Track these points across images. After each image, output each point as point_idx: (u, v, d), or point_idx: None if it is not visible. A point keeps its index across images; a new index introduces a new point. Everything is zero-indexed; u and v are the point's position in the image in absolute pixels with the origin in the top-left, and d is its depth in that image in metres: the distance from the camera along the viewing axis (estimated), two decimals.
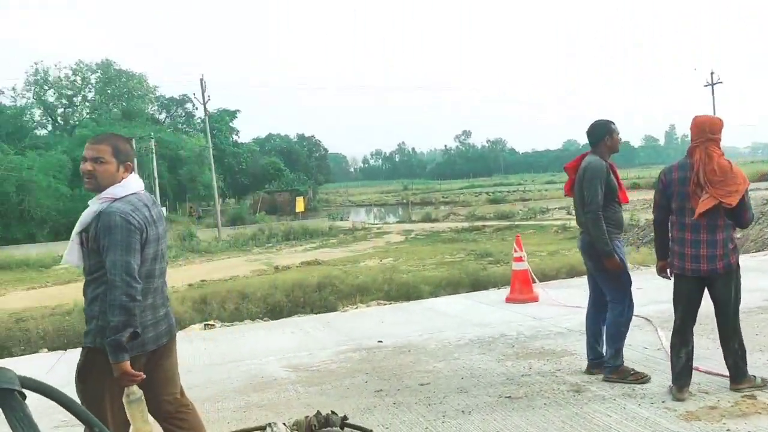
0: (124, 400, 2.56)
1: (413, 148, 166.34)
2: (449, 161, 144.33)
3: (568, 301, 6.82)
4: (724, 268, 3.66)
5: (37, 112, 48.11)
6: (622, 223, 4.32)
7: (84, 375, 2.62)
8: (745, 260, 8.20)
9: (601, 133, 4.25)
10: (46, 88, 48.13)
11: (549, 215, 34.66)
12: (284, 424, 3.64)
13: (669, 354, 4.46)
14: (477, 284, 15.37)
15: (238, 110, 59.66)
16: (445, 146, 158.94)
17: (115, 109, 48.54)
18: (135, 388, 2.54)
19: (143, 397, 2.56)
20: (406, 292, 16.23)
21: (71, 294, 17.98)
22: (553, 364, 4.63)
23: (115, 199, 2.58)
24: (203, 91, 34.98)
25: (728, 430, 3.19)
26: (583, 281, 8.78)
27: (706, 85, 47.58)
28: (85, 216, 2.61)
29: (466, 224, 33.67)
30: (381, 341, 5.80)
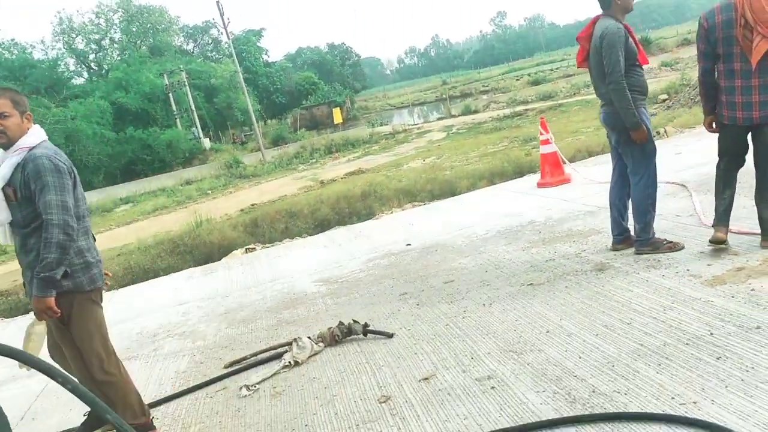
0: (29, 329, 2.71)
1: (447, 40, 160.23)
2: (486, 47, 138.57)
3: (600, 178, 6.58)
4: None
5: (71, 62, 48.63)
6: (646, 88, 4.00)
7: (69, 320, 2.71)
8: None
9: None
10: (74, 36, 48.32)
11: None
12: (309, 337, 3.75)
13: (703, 221, 4.30)
14: (522, 170, 15.06)
15: (263, 29, 58.57)
16: (481, 32, 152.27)
17: (144, 47, 48.43)
18: (43, 324, 2.69)
19: (45, 334, 2.71)
20: (450, 189, 16.15)
21: (133, 234, 18.89)
22: (579, 245, 4.52)
23: (32, 148, 2.58)
24: (222, 15, 34.20)
25: (753, 289, 3.06)
26: None
27: None
28: (4, 170, 2.61)
29: (507, 111, 32.70)
30: (409, 244, 5.81)
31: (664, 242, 3.97)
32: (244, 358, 3.77)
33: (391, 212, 8.50)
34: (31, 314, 3.01)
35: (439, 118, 40.57)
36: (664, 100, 22.08)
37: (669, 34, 64.79)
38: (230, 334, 4.42)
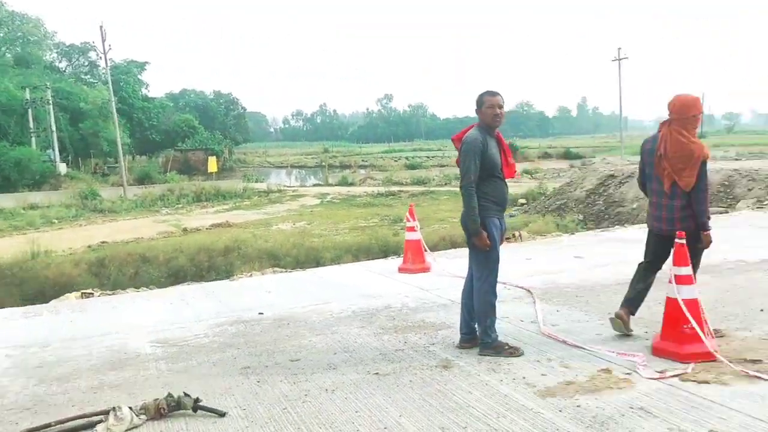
0: None
1: (335, 110, 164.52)
2: (371, 124, 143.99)
3: (459, 272, 6.85)
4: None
5: None
6: (504, 199, 4.22)
7: None
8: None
9: (477, 104, 4.17)
10: None
11: None
12: (130, 407, 3.38)
13: (542, 329, 4.57)
14: (387, 250, 15.42)
15: (147, 62, 56.58)
16: (367, 109, 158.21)
17: (8, 55, 44.64)
18: None
19: None
20: (315, 257, 16.06)
21: None
22: (429, 338, 4.59)
23: None
24: (103, 40, 32.69)
25: (578, 405, 3.24)
26: None
27: (613, 60, 49.50)
28: None
29: (382, 189, 33.72)
30: (262, 313, 5.59)
31: (506, 347, 4.13)
32: (46, 426, 3.29)
33: (251, 274, 8.21)
34: None
35: (316, 184, 40.90)
36: (522, 204, 23.98)
37: (533, 145, 71.45)
38: (38, 393, 3.89)
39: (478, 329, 4.18)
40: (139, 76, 54.59)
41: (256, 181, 40.66)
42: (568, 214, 19.42)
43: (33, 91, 37.27)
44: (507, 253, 8.41)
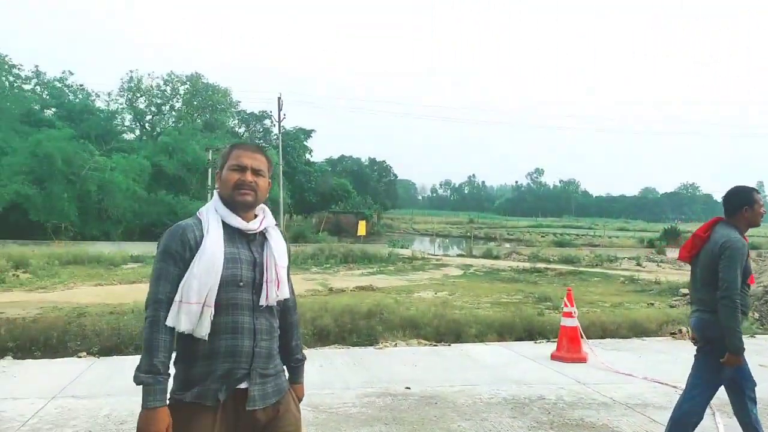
0: None
1: (483, 182, 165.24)
2: (519, 198, 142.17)
3: (619, 367, 6.31)
4: None
5: (128, 117, 50.90)
6: (748, 308, 3.80)
7: None
8: None
9: (741, 203, 3.71)
10: (138, 95, 50.95)
11: (617, 264, 33.20)
12: None
13: None
14: (531, 329, 14.73)
15: (313, 130, 61.11)
16: (516, 182, 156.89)
17: (198, 120, 50.72)
18: None
19: None
20: (456, 330, 15.77)
21: (133, 295, 18.59)
22: None
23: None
24: (279, 109, 36.03)
25: None
26: (642, 344, 8.20)
27: None
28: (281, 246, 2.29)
29: (527, 264, 32.72)
30: (409, 387, 5.51)
31: None
32: None
33: (395, 344, 8.21)
34: None
35: (459, 255, 40.71)
36: (684, 295, 21.90)
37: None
38: None
39: None
40: (305, 142, 59.18)
41: (402, 247, 41.45)
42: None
43: (214, 154, 41.85)
44: (674, 350, 7.64)
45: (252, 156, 2.22)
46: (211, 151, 42.21)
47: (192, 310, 2.03)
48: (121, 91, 50.00)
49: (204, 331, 2.04)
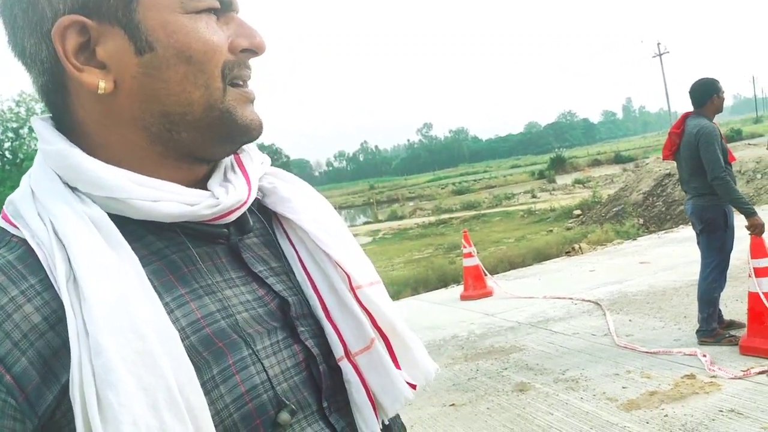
0: None
1: (376, 146, 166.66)
2: (414, 155, 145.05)
3: (521, 293, 6.78)
4: None
5: None
6: (735, 183, 4.09)
7: None
8: None
9: (709, 93, 4.07)
10: None
11: (515, 200, 34.95)
12: None
13: (617, 341, 4.46)
14: (444, 278, 15.31)
15: None
16: (408, 140, 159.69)
17: None
18: None
19: None
20: None
21: None
22: (501, 363, 4.54)
23: None
24: None
25: (666, 415, 3.13)
26: (542, 267, 8.81)
27: (654, 56, 48.57)
28: None
29: (432, 218, 33.72)
30: None
31: (726, 335, 4.03)
32: None
33: None
34: None
35: (366, 222, 41.20)
36: (577, 216, 23.49)
37: (581, 154, 70.20)
38: None
39: (699, 316, 4.11)
40: None
41: None
42: (627, 219, 18.87)
43: None
44: (569, 266, 8.28)
45: None
46: None
47: None
48: None
49: None
